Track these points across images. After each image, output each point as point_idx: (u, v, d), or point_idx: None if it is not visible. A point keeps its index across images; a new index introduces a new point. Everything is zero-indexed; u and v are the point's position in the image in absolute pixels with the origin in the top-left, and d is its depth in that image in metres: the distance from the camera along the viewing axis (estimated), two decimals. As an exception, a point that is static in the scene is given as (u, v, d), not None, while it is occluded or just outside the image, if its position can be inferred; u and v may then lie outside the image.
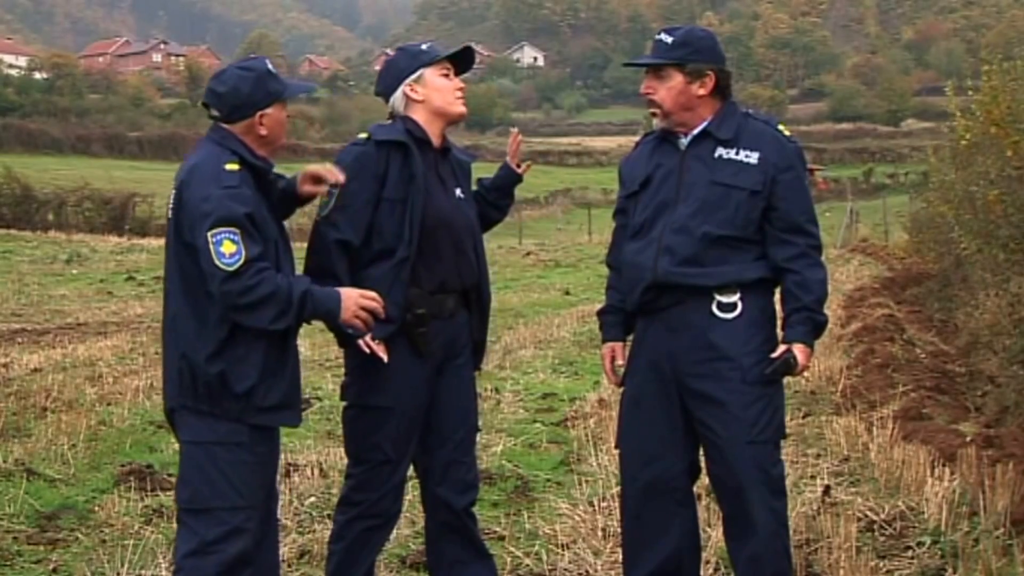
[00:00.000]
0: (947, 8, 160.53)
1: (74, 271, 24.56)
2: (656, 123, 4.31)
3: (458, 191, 4.46)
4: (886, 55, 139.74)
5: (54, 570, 5.16)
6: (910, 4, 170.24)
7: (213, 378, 3.89)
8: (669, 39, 4.20)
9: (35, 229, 36.77)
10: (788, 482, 6.23)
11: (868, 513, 5.72)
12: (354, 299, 3.99)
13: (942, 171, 17.22)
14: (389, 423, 4.30)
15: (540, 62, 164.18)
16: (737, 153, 4.17)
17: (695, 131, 4.23)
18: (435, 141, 4.42)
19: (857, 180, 69.04)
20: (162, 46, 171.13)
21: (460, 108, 4.44)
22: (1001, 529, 5.22)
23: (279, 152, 4.19)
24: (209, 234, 3.82)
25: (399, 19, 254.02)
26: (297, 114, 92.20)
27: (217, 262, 3.81)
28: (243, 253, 3.81)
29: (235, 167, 3.94)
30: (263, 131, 4.05)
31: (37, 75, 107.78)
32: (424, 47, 4.48)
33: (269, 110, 4.05)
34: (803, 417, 8.46)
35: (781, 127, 4.30)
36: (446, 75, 4.42)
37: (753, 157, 4.15)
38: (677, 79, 4.18)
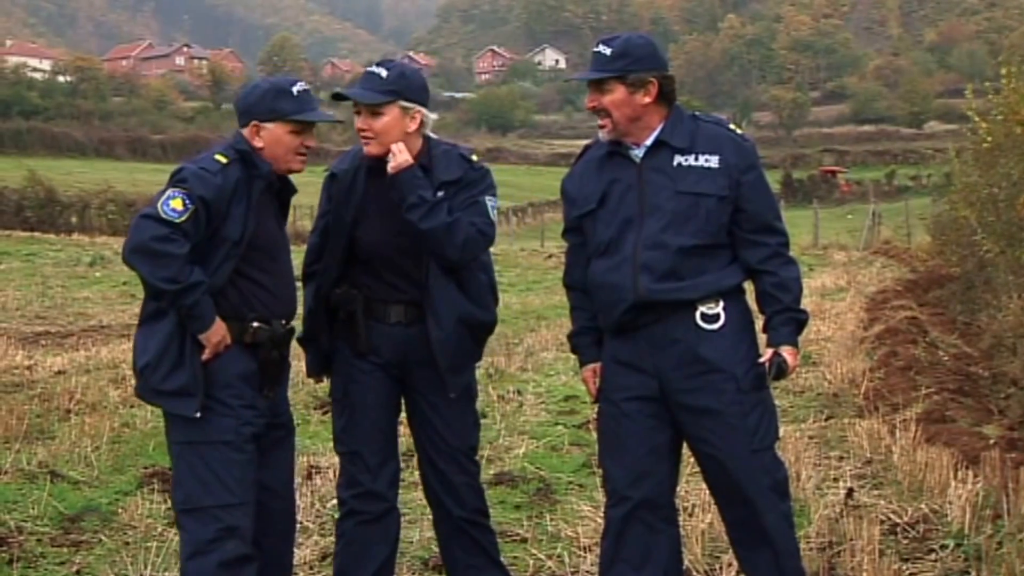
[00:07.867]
0: (970, 10, 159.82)
1: (97, 274, 24.59)
2: (602, 135, 4.19)
3: None
4: (908, 57, 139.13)
5: (77, 572, 5.18)
6: (932, 6, 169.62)
7: (133, 354, 4.06)
8: (608, 51, 4.09)
9: (59, 232, 36.91)
10: (811, 484, 6.26)
11: (891, 516, 5.70)
12: (220, 335, 4.00)
13: (965, 173, 17.17)
14: (341, 414, 4.47)
15: (562, 64, 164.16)
16: (696, 159, 4.08)
17: (648, 141, 4.13)
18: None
19: (879, 182, 68.87)
20: (185, 49, 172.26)
21: (368, 149, 4.33)
22: (1025, 532, 5.20)
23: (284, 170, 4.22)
24: (169, 189, 3.92)
25: (421, 22, 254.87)
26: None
27: (158, 205, 3.88)
28: (183, 218, 3.86)
29: (223, 159, 4.03)
30: (259, 143, 4.11)
31: (61, 78, 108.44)
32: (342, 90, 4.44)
33: (268, 125, 4.10)
34: (826, 420, 8.43)
35: (732, 126, 4.25)
36: (358, 113, 4.33)
37: (713, 161, 4.08)
38: (620, 91, 4.07)
